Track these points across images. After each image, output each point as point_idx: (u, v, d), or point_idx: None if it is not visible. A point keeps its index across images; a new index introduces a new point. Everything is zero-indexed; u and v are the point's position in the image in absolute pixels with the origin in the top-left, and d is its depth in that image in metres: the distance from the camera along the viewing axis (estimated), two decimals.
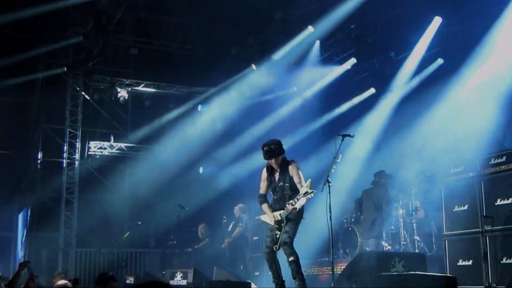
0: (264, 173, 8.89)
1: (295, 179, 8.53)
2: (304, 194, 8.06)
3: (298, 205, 8.26)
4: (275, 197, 8.78)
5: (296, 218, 8.45)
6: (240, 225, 14.61)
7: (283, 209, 8.43)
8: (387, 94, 15.81)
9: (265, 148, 8.64)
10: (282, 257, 8.70)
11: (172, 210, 16.67)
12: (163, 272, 13.97)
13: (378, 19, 14.87)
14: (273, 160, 8.65)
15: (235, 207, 15.05)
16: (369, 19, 15.01)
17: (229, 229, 14.84)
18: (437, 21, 13.77)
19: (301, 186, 8.40)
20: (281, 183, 8.62)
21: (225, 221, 15.04)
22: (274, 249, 8.47)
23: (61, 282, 8.07)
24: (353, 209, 13.73)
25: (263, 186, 8.91)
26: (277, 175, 8.73)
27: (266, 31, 16.89)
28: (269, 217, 8.66)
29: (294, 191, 8.48)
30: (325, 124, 17.37)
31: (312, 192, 8.03)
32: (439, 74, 14.41)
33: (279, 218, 8.42)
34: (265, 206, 8.81)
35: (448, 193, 10.32)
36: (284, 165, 8.67)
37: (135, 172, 18.70)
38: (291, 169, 8.61)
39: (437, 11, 13.65)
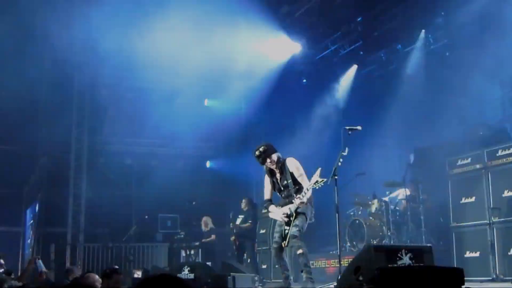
0: (266, 179, 8.84)
1: (296, 174, 8.45)
2: (315, 183, 8.00)
3: (305, 198, 8.22)
4: (282, 195, 8.72)
5: (305, 211, 8.37)
6: (250, 222, 14.59)
7: (292, 203, 8.41)
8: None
9: (256, 154, 8.58)
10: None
11: (179, 204, 16.72)
12: (167, 268, 14.01)
13: (384, 12, 14.82)
14: (268, 162, 8.61)
15: (243, 200, 15.04)
16: (376, 11, 14.97)
17: (238, 223, 14.85)
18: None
19: (303, 179, 8.37)
20: (284, 182, 8.55)
21: (231, 217, 15.03)
22: (283, 245, 8.43)
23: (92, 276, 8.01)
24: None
25: (266, 192, 8.85)
26: (278, 175, 8.67)
27: (272, 25, 16.83)
28: (277, 214, 8.63)
29: (299, 185, 8.44)
30: (332, 117, 17.34)
31: (323, 180, 7.95)
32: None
33: (288, 212, 8.37)
34: (271, 207, 8.75)
35: (455, 185, 10.32)
36: (281, 164, 8.62)
37: (142, 167, 18.74)
38: (289, 165, 8.53)
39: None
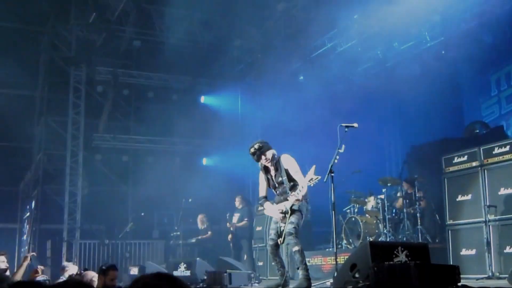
0: (261, 176, 8.82)
1: (291, 170, 8.42)
2: (309, 180, 7.98)
3: (301, 195, 8.20)
4: (277, 192, 8.71)
5: (301, 208, 8.35)
6: (246, 220, 14.59)
7: (287, 200, 8.40)
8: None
9: (251, 151, 8.58)
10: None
11: (176, 201, 16.71)
12: (163, 265, 14.05)
13: (381, 9, 14.80)
14: (263, 159, 8.59)
15: (236, 198, 15.05)
16: (372, 8, 14.95)
17: (235, 222, 14.86)
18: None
19: (299, 176, 8.35)
20: (279, 178, 8.53)
21: (228, 218, 15.06)
22: (279, 242, 8.42)
23: (90, 273, 8.01)
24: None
25: (262, 189, 8.84)
26: (273, 172, 8.65)
27: (268, 22, 16.83)
28: (272, 211, 8.63)
29: (294, 182, 8.42)
30: (327, 115, 17.32)
31: (317, 177, 7.93)
32: None
33: (284, 209, 8.36)
34: (267, 204, 8.75)
35: (451, 183, 10.32)
36: (276, 160, 8.61)
37: (138, 164, 18.73)
38: (284, 162, 8.51)
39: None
